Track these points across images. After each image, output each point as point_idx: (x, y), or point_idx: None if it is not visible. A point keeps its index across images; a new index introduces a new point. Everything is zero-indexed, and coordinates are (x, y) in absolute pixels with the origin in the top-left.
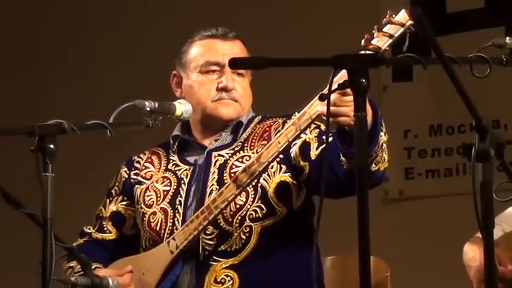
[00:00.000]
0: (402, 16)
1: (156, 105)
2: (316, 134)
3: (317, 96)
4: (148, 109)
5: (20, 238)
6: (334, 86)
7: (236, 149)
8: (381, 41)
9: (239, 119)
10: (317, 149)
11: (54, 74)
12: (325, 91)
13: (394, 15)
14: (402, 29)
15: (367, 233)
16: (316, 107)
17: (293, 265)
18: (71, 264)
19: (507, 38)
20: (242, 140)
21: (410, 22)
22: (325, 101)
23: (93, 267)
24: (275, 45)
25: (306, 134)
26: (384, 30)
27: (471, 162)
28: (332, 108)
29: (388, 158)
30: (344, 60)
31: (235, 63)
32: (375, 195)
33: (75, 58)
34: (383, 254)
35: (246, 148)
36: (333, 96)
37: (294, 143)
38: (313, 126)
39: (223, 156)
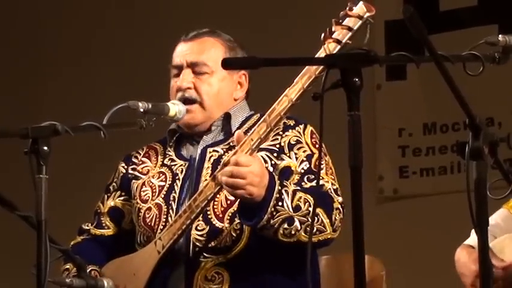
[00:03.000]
0: (360, 8)
1: (150, 106)
2: (301, 160)
3: (285, 93)
4: (141, 110)
5: (14, 240)
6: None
7: (231, 144)
8: (341, 35)
9: (228, 111)
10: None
11: (48, 76)
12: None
13: (352, 8)
14: (361, 22)
15: (361, 232)
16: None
17: (285, 264)
18: (67, 266)
19: (500, 35)
20: None
21: (368, 14)
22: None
23: (89, 269)
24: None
25: (290, 158)
26: (343, 23)
27: (465, 161)
28: (229, 180)
29: (382, 157)
30: (337, 59)
31: (227, 64)
32: (370, 194)
33: (69, 60)
34: (378, 253)
35: None
36: (229, 168)
37: (278, 161)
38: (298, 146)
39: (217, 151)
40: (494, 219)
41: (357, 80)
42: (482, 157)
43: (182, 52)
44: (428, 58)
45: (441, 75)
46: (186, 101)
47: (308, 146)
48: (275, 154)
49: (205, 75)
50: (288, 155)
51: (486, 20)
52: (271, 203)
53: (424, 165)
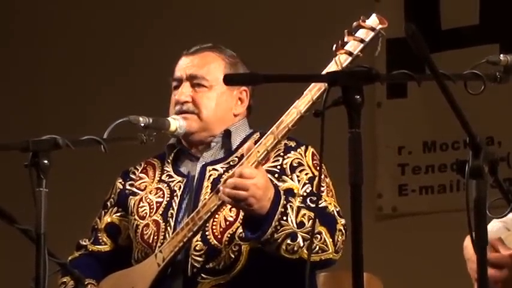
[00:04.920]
0: (373, 20)
1: (150, 120)
2: (304, 183)
3: (293, 105)
4: (142, 125)
5: (13, 253)
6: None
7: (232, 163)
8: (352, 46)
9: (228, 128)
10: (297, 213)
11: (49, 90)
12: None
13: (365, 20)
14: (373, 34)
15: (360, 249)
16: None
17: (283, 286)
18: (64, 280)
19: (501, 55)
20: (239, 155)
21: (380, 26)
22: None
23: (86, 283)
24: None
25: (293, 180)
26: (355, 35)
27: (465, 179)
28: (232, 191)
29: (382, 175)
30: (338, 76)
31: (228, 80)
32: (369, 212)
33: (71, 75)
34: (376, 270)
35: None
36: (232, 180)
37: (279, 182)
38: (300, 168)
39: (217, 170)
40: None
41: (358, 97)
42: (482, 176)
43: (183, 65)
44: (429, 76)
45: (442, 93)
46: (184, 114)
47: (310, 168)
48: (276, 175)
49: (203, 88)
50: (290, 177)
51: (488, 39)
52: (276, 217)
53: (424, 183)
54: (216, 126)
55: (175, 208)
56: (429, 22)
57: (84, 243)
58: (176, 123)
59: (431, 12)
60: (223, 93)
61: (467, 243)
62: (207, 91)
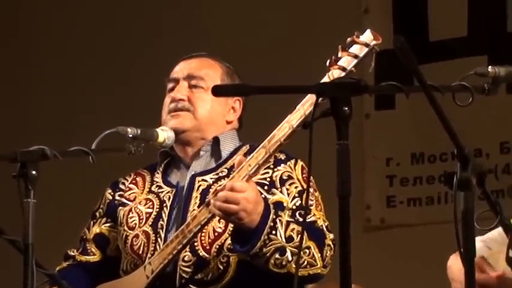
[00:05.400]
0: (367, 36)
1: (139, 131)
2: (293, 196)
3: (286, 119)
4: (130, 136)
5: (0, 263)
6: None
7: (221, 174)
8: (346, 62)
9: (218, 135)
10: (286, 227)
11: (38, 100)
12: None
13: (359, 35)
14: (367, 49)
15: (348, 261)
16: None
17: None
18: None
19: (489, 66)
20: (228, 167)
21: (374, 42)
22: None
23: None
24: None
25: (282, 193)
26: (349, 50)
27: (453, 191)
28: (223, 205)
29: (370, 186)
30: (327, 88)
31: (217, 91)
32: (357, 223)
33: (60, 85)
34: (364, 281)
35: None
36: (223, 193)
37: (268, 195)
38: (290, 181)
39: (206, 181)
40: (492, 233)
41: (346, 109)
42: (470, 188)
43: (180, 68)
44: (417, 88)
45: (430, 105)
46: (178, 111)
47: (299, 181)
48: (266, 188)
49: (200, 89)
50: (279, 190)
51: (476, 51)
52: (265, 231)
53: (412, 195)
54: (208, 128)
55: (165, 219)
56: (417, 34)
57: (72, 253)
58: (164, 134)
59: (419, 24)
60: (219, 99)
61: (451, 263)
62: (203, 92)
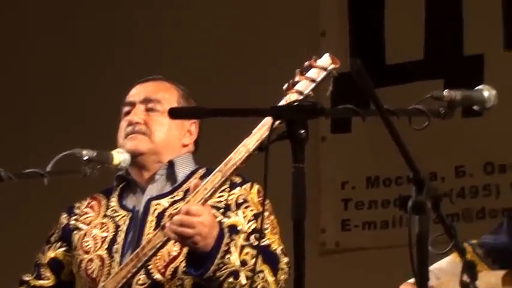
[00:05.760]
0: (325, 60)
1: (94, 154)
2: (249, 220)
3: (242, 143)
4: (86, 158)
5: None
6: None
7: (177, 198)
8: (303, 86)
9: (173, 158)
10: (240, 251)
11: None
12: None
13: (316, 59)
14: (325, 73)
15: (302, 285)
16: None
17: None
18: None
19: (446, 90)
20: (184, 191)
21: (332, 66)
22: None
23: None
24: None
25: (237, 216)
26: (306, 74)
27: (408, 215)
28: (178, 228)
29: (325, 209)
30: (283, 110)
31: (174, 113)
32: (312, 247)
33: (14, 106)
34: None
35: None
36: (179, 217)
37: (224, 218)
38: (245, 205)
39: (162, 205)
40: (439, 263)
41: (302, 132)
42: (425, 212)
43: (136, 91)
44: (373, 112)
45: (386, 129)
46: (135, 134)
47: (255, 205)
48: (221, 211)
49: (157, 113)
50: (234, 213)
51: (432, 74)
52: (219, 255)
53: (367, 218)
54: (164, 151)
55: (121, 243)
56: (374, 57)
57: (26, 278)
58: (120, 156)
59: (376, 47)
60: (175, 122)
61: None
62: (160, 115)
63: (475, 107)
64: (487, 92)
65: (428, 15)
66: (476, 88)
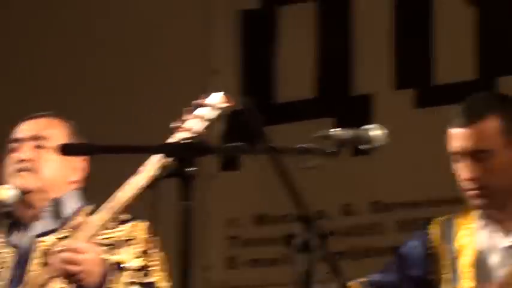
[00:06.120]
0: (216, 99)
1: None
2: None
3: (130, 181)
4: None
5: None
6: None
7: (62, 235)
8: (194, 124)
9: (60, 196)
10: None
11: None
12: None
13: (207, 97)
14: (216, 112)
15: None
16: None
17: None
18: None
19: (335, 129)
20: (70, 228)
21: (223, 105)
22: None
23: None
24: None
25: (124, 254)
26: (197, 112)
27: (294, 253)
28: (63, 265)
29: (212, 247)
30: (173, 148)
31: (64, 150)
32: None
33: None
34: None
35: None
36: (64, 254)
37: (110, 255)
38: (132, 242)
39: (47, 242)
40: None
41: (191, 169)
42: (312, 250)
43: (24, 127)
44: (262, 150)
45: (274, 167)
46: (23, 171)
47: (142, 242)
48: (107, 248)
49: (45, 149)
50: (121, 250)
51: (322, 113)
52: None
53: (254, 256)
54: (52, 189)
55: (5, 281)
56: (265, 95)
57: None
58: (7, 192)
59: (267, 85)
60: (63, 158)
61: None
62: (48, 152)
63: (363, 146)
64: (375, 131)
65: (319, 55)
66: (365, 127)
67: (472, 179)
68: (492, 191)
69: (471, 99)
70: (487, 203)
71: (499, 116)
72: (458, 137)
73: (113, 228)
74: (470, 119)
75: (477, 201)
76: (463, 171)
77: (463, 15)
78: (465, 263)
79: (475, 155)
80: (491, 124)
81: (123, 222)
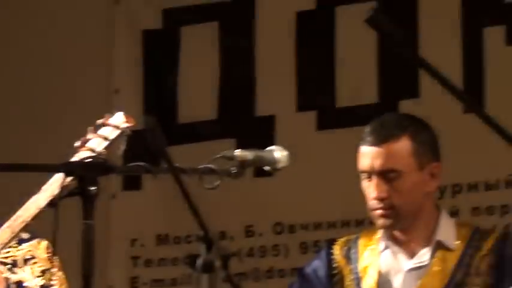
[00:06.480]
0: (118, 119)
1: None
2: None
3: (31, 200)
4: None
5: None
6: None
7: None
8: (96, 143)
9: None
10: None
11: None
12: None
13: (109, 118)
14: (117, 132)
15: None
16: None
17: None
18: None
19: (237, 150)
20: None
21: (126, 125)
22: None
23: None
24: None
25: (25, 272)
26: (99, 132)
27: (196, 273)
28: None
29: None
30: (75, 167)
31: None
32: None
33: None
34: None
35: None
36: None
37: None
38: (33, 261)
39: None
40: None
41: (93, 188)
42: (214, 270)
43: None
44: (165, 169)
45: (177, 187)
46: None
47: (43, 261)
48: (8, 267)
49: None
50: (22, 269)
51: (225, 134)
52: None
53: (156, 276)
54: None
55: None
56: (167, 115)
57: None
58: None
59: (169, 105)
60: None
61: None
62: None
63: (266, 168)
64: (278, 152)
65: (223, 75)
66: (268, 149)
67: (379, 199)
68: (398, 212)
69: (383, 118)
70: (392, 223)
71: (411, 137)
72: (369, 155)
73: (14, 247)
74: (382, 138)
75: (382, 221)
76: (371, 190)
77: (365, 39)
78: (369, 284)
79: (384, 174)
80: (403, 145)
81: (24, 241)
